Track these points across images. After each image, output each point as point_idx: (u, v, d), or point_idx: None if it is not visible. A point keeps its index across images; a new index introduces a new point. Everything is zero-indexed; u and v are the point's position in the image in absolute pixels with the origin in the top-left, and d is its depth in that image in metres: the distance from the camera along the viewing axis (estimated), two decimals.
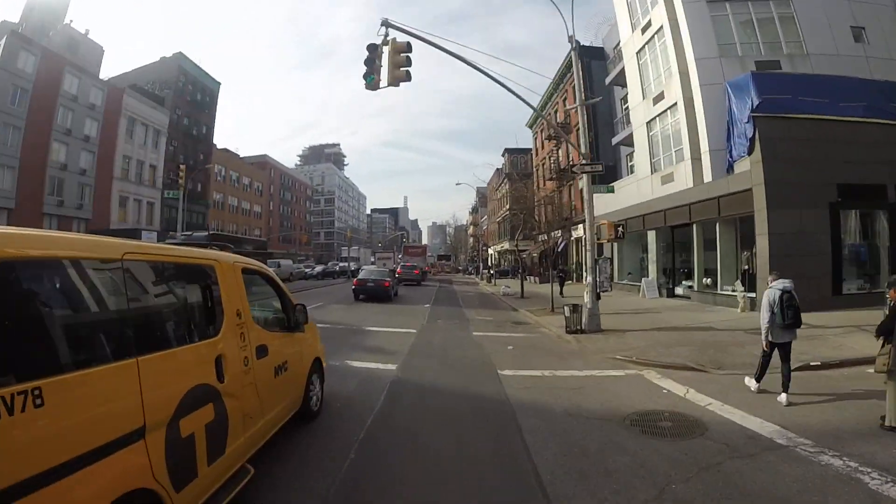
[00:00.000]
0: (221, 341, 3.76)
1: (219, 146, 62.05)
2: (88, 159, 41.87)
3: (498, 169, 73.84)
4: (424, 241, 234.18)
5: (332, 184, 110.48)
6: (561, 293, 21.88)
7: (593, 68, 33.69)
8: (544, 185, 39.82)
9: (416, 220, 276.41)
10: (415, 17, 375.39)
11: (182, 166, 21.71)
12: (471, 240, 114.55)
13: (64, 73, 39.35)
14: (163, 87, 53.44)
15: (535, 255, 40.07)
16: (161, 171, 50.10)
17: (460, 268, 70.06)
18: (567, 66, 36.16)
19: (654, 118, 23.16)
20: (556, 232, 38.56)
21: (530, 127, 45.51)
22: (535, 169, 47.39)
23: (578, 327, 13.13)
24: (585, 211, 15.09)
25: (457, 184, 46.75)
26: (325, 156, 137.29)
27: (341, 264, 48.63)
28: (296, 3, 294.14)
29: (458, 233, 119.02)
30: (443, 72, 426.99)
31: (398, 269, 37.84)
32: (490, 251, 79.75)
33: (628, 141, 27.21)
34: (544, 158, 42.65)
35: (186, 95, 54.70)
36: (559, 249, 35.38)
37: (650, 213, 22.98)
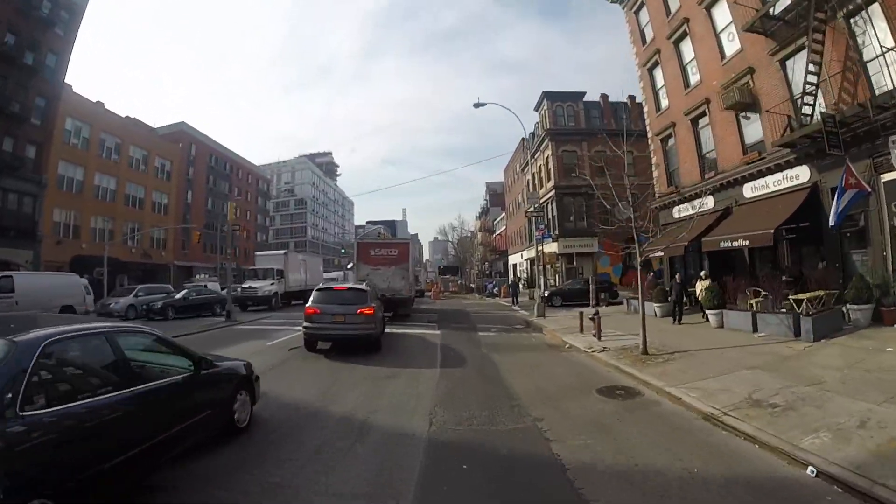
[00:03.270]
0: None
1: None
2: None
3: (524, 139, 50.75)
4: (426, 257, 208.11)
5: (304, 181, 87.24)
6: None
7: None
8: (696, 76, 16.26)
9: (417, 235, 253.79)
10: (407, 35, 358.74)
11: None
12: (479, 249, 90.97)
13: None
14: None
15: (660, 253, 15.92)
16: None
17: (472, 285, 46.49)
18: None
19: None
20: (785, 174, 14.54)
21: None
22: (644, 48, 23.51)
23: None
24: None
25: (475, 104, 20.85)
26: (316, 165, 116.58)
27: (244, 285, 24.59)
28: (294, 22, 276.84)
29: (463, 243, 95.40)
30: (439, 88, 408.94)
31: (309, 307, 11.39)
32: (513, 261, 55.98)
33: None
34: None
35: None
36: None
37: None
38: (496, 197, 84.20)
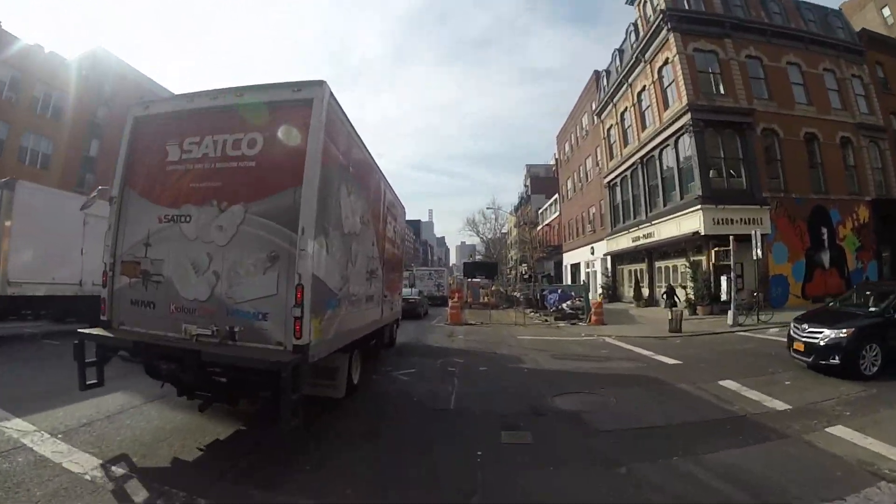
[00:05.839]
0: None
1: None
2: None
3: (597, 72, 33.61)
4: (452, 260, 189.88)
5: None
6: None
7: None
8: None
9: (444, 238, 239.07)
10: (438, 42, 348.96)
11: None
12: (514, 249, 73.63)
13: None
14: None
15: None
16: None
17: (517, 294, 29.74)
18: None
19: None
20: None
21: None
22: None
23: None
24: None
25: None
26: None
27: None
28: (326, 24, 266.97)
29: (494, 245, 78.85)
30: (468, 94, 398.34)
31: None
32: (571, 260, 38.62)
33: None
34: None
35: None
36: None
37: None
38: (539, 182, 67.29)
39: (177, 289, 4.79)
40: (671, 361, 8.94)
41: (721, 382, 7.21)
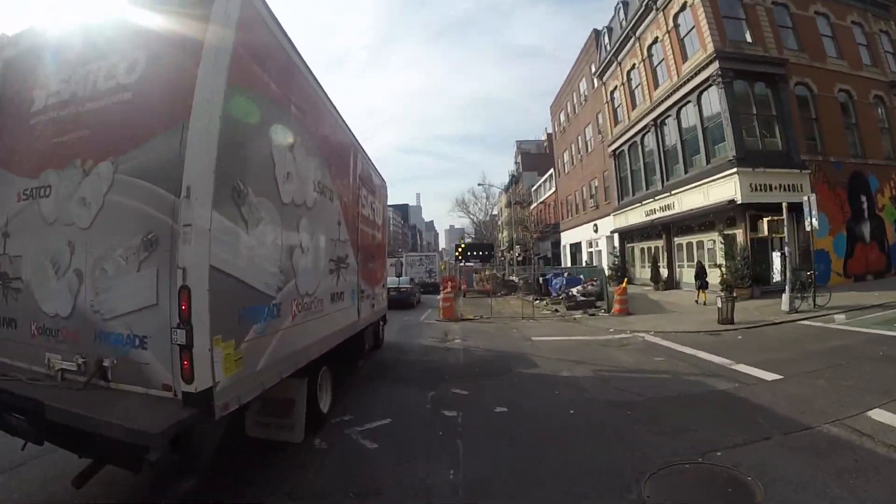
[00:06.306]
0: None
1: None
2: None
3: (597, 31, 30.61)
4: (441, 245, 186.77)
5: None
6: None
7: None
8: None
9: (432, 222, 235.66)
10: (422, 26, 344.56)
11: None
12: (505, 231, 70.97)
13: None
14: None
15: None
16: None
17: (515, 279, 27.13)
18: None
19: None
20: None
21: None
22: None
23: None
24: None
25: None
26: None
27: None
28: (306, 12, 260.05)
29: (486, 227, 77.22)
30: (455, 76, 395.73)
31: None
32: (571, 239, 35.98)
33: None
34: None
35: None
36: None
37: None
38: (531, 159, 64.37)
39: (36, 299, 3.25)
40: (767, 376, 6.25)
41: (871, 415, 4.59)
